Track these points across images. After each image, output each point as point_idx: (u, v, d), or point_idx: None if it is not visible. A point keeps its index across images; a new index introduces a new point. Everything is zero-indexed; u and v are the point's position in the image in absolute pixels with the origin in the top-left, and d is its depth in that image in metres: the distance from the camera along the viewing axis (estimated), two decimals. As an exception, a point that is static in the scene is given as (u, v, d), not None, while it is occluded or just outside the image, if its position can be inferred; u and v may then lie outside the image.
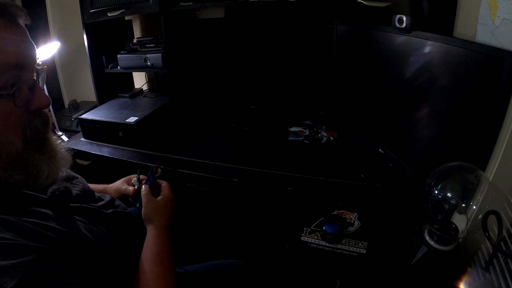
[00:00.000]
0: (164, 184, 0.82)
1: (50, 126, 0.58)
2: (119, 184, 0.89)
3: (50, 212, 0.52)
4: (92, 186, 0.76)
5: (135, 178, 0.87)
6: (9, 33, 0.47)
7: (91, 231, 0.56)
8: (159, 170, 0.84)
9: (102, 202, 0.70)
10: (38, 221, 0.49)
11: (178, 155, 1.28)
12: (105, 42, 1.63)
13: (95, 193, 0.73)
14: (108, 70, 1.65)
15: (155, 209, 0.74)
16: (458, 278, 0.73)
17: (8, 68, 0.47)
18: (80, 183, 0.70)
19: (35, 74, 0.53)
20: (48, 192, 0.56)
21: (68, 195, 0.60)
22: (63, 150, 0.60)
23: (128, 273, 0.60)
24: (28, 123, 0.51)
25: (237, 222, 1.21)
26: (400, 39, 0.95)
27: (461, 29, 0.91)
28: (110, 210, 0.68)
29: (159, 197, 0.77)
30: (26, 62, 0.50)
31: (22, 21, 0.50)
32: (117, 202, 0.76)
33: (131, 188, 0.86)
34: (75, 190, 0.64)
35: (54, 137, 0.59)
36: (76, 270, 0.46)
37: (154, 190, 0.81)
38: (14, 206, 0.49)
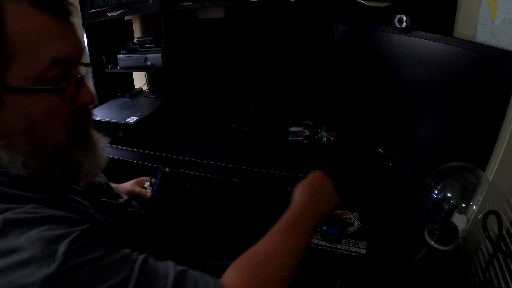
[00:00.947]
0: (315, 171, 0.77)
1: (93, 122, 0.58)
2: (131, 185, 0.90)
3: (86, 202, 0.53)
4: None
5: (148, 183, 0.90)
6: (60, 28, 0.46)
7: (120, 226, 0.58)
8: (167, 169, 0.89)
9: (122, 200, 0.71)
10: (81, 206, 0.51)
11: (178, 155, 1.28)
12: (105, 42, 1.63)
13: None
14: (108, 70, 1.65)
15: (297, 190, 0.69)
16: (458, 278, 0.73)
17: (58, 63, 0.46)
18: (103, 178, 0.70)
19: (81, 70, 0.53)
20: (81, 184, 0.57)
21: (100, 190, 0.62)
22: (103, 147, 0.60)
23: None
24: (73, 118, 0.51)
25: (237, 222, 1.21)
26: (400, 39, 0.95)
27: (461, 29, 0.91)
28: (130, 209, 0.70)
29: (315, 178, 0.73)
30: (74, 57, 0.49)
31: (72, 17, 0.49)
32: (133, 202, 0.77)
33: (149, 193, 0.88)
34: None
35: (96, 133, 0.59)
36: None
37: (164, 189, 0.84)
38: (57, 192, 0.50)
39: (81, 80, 0.51)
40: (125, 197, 0.74)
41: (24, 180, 0.46)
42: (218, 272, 0.51)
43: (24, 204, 0.43)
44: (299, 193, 0.68)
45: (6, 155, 0.46)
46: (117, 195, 0.73)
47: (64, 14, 0.47)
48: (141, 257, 0.46)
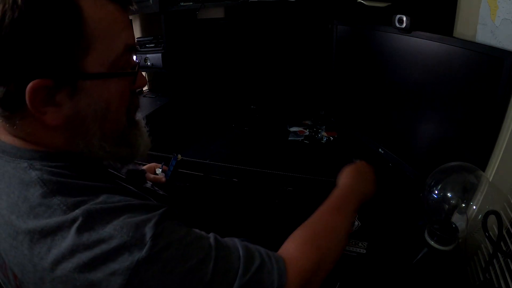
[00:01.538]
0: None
1: None
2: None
3: (134, 189, 0.55)
4: None
5: (159, 169, 0.96)
6: (126, 18, 0.49)
7: None
8: (179, 156, 0.98)
9: (149, 184, 0.75)
10: (139, 192, 0.53)
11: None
12: (105, 42, 1.63)
13: None
14: (108, 70, 1.65)
15: (344, 174, 0.76)
16: (458, 278, 0.73)
17: (129, 50, 0.49)
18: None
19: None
20: (123, 171, 0.61)
21: (143, 176, 0.65)
22: (146, 134, 0.63)
23: None
24: (132, 101, 0.55)
25: (236, 222, 1.21)
26: (400, 39, 0.95)
27: (461, 29, 0.91)
28: (161, 192, 0.74)
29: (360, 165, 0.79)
30: (134, 49, 0.52)
31: (132, 7, 0.52)
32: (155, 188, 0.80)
33: (163, 178, 0.93)
34: None
35: (141, 120, 0.62)
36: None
37: (176, 176, 0.93)
38: (112, 181, 0.53)
39: (137, 66, 0.54)
40: (149, 183, 0.77)
41: (83, 172, 0.48)
42: None
43: (96, 194, 0.44)
44: (346, 176, 0.75)
45: (83, 141, 0.48)
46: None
47: (126, 5, 0.49)
48: (211, 235, 0.49)
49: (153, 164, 0.99)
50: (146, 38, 1.60)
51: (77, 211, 0.41)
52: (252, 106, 1.62)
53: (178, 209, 0.75)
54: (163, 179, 0.93)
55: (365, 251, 0.85)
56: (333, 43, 1.27)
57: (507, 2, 0.69)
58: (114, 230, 0.41)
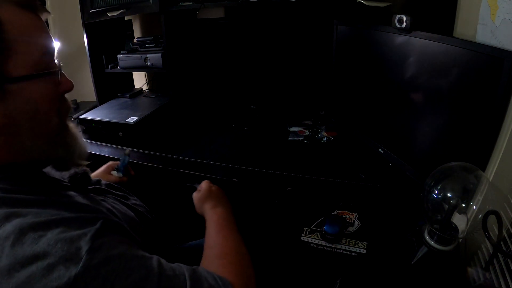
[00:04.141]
0: (202, 183, 0.88)
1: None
2: (104, 175, 0.94)
3: (76, 194, 0.55)
4: None
5: (114, 171, 0.95)
6: (41, 23, 0.52)
7: (115, 209, 0.61)
8: (127, 150, 0.99)
9: (104, 183, 0.76)
10: (80, 201, 0.53)
11: (178, 155, 1.28)
12: (105, 42, 1.63)
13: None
14: (108, 70, 1.65)
15: (200, 199, 0.81)
16: (458, 278, 0.73)
17: (48, 52, 0.52)
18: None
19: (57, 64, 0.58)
20: (67, 176, 0.61)
21: (87, 178, 0.65)
22: (81, 137, 0.64)
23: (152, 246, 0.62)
24: (62, 104, 0.56)
25: (236, 222, 1.21)
26: (400, 39, 0.95)
27: (461, 29, 0.91)
28: (120, 192, 0.74)
29: (198, 193, 0.84)
30: (53, 52, 0.54)
31: (43, 17, 0.54)
32: (113, 185, 0.80)
33: (124, 176, 0.94)
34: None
35: (72, 125, 0.63)
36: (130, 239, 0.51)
37: (129, 172, 0.96)
38: (52, 190, 0.53)
39: (60, 71, 0.56)
40: (103, 182, 0.78)
41: (21, 183, 0.48)
42: None
43: (28, 207, 0.44)
44: (206, 204, 0.79)
45: (17, 144, 0.50)
46: (96, 181, 0.76)
47: (38, 12, 0.52)
48: (155, 256, 0.49)
49: (110, 163, 0.99)
50: (146, 38, 1.60)
51: (9, 227, 0.41)
52: (252, 106, 1.62)
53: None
54: (125, 178, 0.94)
55: (365, 251, 0.85)
56: (333, 43, 1.27)
57: (507, 2, 0.69)
58: (48, 246, 0.40)
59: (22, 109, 0.48)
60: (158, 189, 1.24)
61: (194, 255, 0.62)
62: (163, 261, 0.49)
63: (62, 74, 0.56)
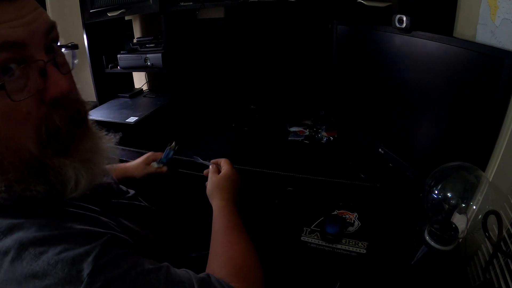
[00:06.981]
0: (223, 161, 0.85)
1: (83, 118, 0.47)
2: (142, 166, 0.93)
3: (97, 208, 0.50)
4: (109, 168, 0.60)
5: (155, 162, 0.94)
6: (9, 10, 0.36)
7: (133, 224, 0.57)
8: (173, 143, 0.96)
9: (129, 195, 0.70)
10: (93, 214, 0.47)
11: (178, 155, 1.28)
12: (105, 42, 1.63)
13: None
14: (108, 70, 1.65)
15: (217, 185, 0.77)
16: (458, 278, 0.73)
17: (11, 46, 0.36)
18: (110, 177, 0.66)
19: (48, 55, 0.41)
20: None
21: (110, 191, 0.59)
22: (107, 148, 0.53)
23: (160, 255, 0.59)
24: (44, 119, 0.40)
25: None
26: (400, 39, 0.95)
27: (461, 29, 0.91)
28: (143, 204, 0.69)
29: (220, 173, 0.80)
30: (28, 39, 0.38)
31: None
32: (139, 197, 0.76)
33: (163, 168, 0.92)
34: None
35: (96, 131, 0.51)
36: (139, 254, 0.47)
37: (172, 165, 0.95)
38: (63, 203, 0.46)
39: (46, 67, 0.40)
40: (131, 192, 0.71)
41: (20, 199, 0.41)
42: None
43: (30, 219, 0.40)
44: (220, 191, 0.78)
45: None
46: (125, 191, 0.71)
47: None
48: (164, 266, 0.45)
49: (150, 154, 0.96)
50: (146, 38, 1.60)
51: (9, 241, 0.38)
52: (252, 106, 1.62)
53: (159, 219, 0.71)
54: (164, 169, 0.92)
55: (365, 251, 0.85)
56: (333, 43, 1.27)
57: (507, 2, 0.69)
58: (48, 265, 0.37)
59: None
60: (161, 191, 1.24)
61: (199, 264, 0.59)
62: (172, 270, 0.45)
63: (49, 74, 0.40)
